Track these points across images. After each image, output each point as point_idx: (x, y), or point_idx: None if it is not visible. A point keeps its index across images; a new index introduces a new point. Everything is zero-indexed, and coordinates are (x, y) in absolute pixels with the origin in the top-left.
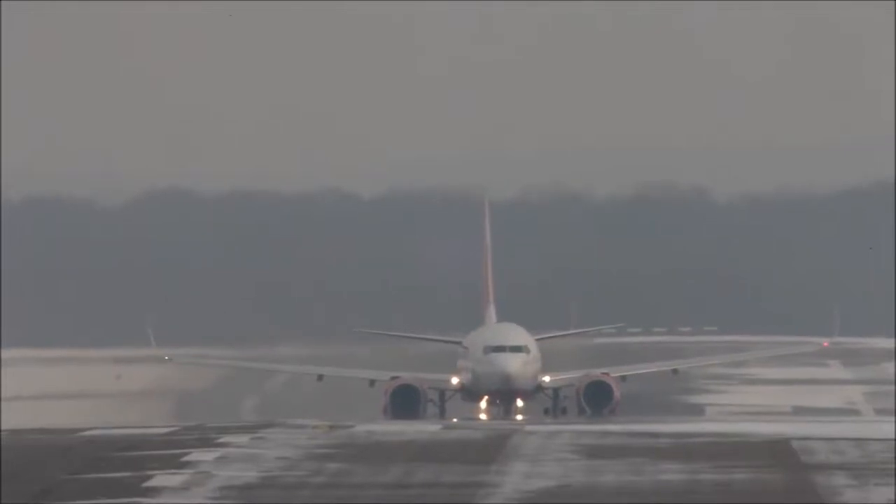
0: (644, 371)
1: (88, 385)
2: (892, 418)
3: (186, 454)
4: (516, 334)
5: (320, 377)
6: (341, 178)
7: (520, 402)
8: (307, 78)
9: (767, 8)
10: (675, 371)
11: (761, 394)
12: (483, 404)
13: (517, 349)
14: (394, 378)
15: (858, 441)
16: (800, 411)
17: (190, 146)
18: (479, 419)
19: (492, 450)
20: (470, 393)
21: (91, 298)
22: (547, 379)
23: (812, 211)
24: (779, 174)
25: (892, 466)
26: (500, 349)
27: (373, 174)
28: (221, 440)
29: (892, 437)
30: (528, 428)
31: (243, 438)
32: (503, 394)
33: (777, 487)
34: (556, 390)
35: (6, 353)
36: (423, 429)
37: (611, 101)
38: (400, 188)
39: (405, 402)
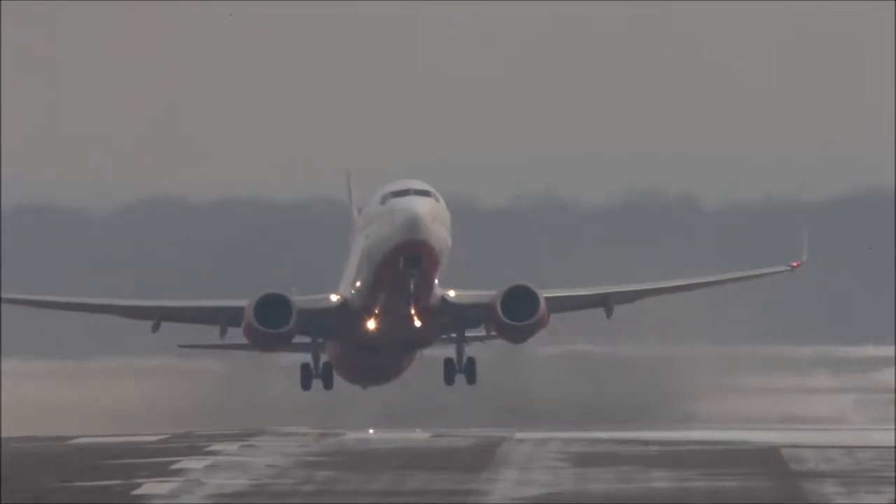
0: (570, 294)
1: (80, 396)
2: (882, 427)
3: (176, 462)
4: (421, 183)
5: (155, 326)
6: (337, 179)
7: (417, 322)
8: (304, 78)
9: (767, 9)
10: (608, 311)
11: (750, 402)
12: (372, 323)
13: (423, 193)
14: None
15: (848, 449)
16: (789, 419)
17: (185, 150)
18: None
19: (481, 458)
20: (352, 311)
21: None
22: (452, 293)
23: (810, 214)
24: (777, 175)
25: (882, 474)
26: (403, 193)
27: (371, 174)
28: (211, 448)
29: (882, 445)
30: (518, 436)
31: (233, 446)
32: (408, 252)
33: (767, 495)
34: (461, 335)
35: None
36: (412, 437)
37: (610, 102)
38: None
39: (274, 315)
